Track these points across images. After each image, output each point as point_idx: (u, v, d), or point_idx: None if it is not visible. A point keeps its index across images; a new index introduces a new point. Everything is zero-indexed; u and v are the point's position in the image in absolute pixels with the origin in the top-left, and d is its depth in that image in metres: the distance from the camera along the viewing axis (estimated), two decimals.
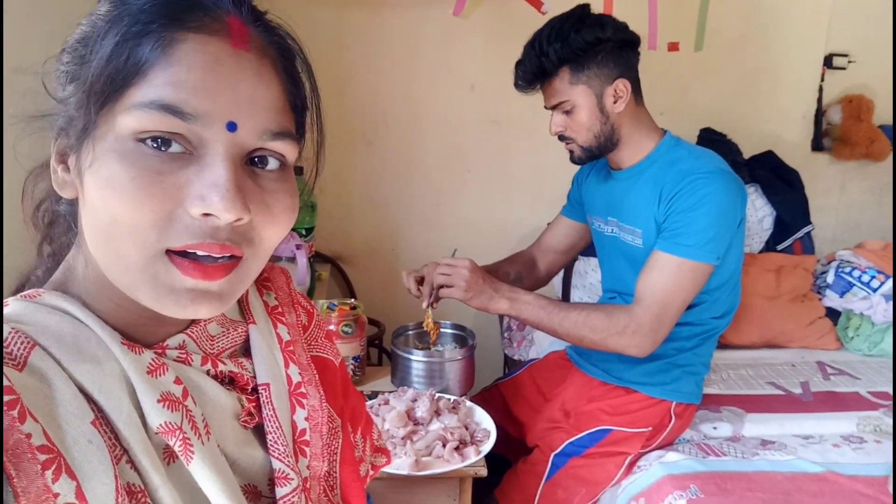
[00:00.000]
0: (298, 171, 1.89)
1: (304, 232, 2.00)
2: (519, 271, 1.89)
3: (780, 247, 2.38)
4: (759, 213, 2.37)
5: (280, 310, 0.68)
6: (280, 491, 0.59)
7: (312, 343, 0.72)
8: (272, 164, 0.54)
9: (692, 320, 1.58)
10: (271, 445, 0.60)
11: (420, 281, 1.60)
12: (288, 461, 0.60)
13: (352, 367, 1.59)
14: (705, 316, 1.59)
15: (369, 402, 1.45)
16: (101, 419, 0.49)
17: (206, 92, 0.48)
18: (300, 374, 0.65)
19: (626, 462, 1.57)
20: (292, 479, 0.60)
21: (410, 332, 1.73)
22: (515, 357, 2.32)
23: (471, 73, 2.45)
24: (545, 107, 1.59)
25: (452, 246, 2.44)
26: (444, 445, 1.31)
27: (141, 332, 0.55)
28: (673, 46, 2.47)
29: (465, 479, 1.34)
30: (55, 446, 0.45)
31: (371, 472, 0.81)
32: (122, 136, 0.48)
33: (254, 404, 0.61)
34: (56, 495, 0.44)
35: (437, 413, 1.40)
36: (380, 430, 1.32)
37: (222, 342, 0.61)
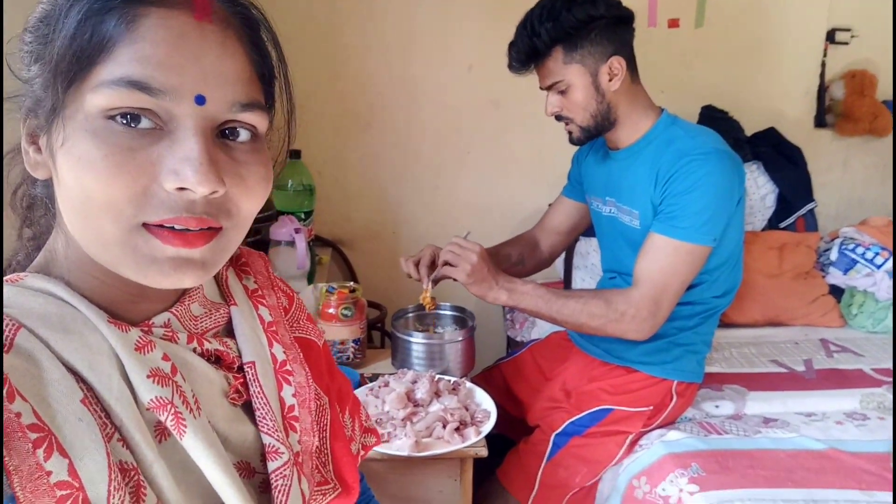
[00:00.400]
0: (296, 154, 1.89)
1: (302, 216, 2.00)
2: (521, 253, 1.88)
3: (782, 224, 2.36)
4: (762, 190, 2.35)
5: (260, 292, 0.68)
6: (272, 465, 0.60)
7: (294, 325, 0.72)
8: (244, 135, 0.54)
9: (693, 299, 1.57)
10: (260, 421, 0.61)
11: (417, 263, 1.60)
12: (277, 435, 0.61)
13: (352, 349, 1.58)
14: (706, 295, 1.58)
15: (370, 384, 1.45)
16: (92, 397, 0.49)
17: (173, 67, 0.48)
18: (284, 352, 0.66)
19: (628, 441, 1.57)
20: (283, 453, 0.61)
21: (410, 315, 1.73)
22: (518, 338, 2.32)
23: (469, 54, 2.43)
24: (540, 87, 1.57)
25: (452, 228, 2.44)
26: (444, 426, 1.31)
27: (126, 309, 0.55)
28: (673, 23, 2.41)
29: (465, 459, 1.34)
30: (46, 425, 0.45)
31: (362, 453, 0.82)
32: (91, 115, 0.48)
33: (241, 382, 0.62)
34: (49, 473, 0.44)
35: (437, 394, 1.40)
36: (367, 412, 1.33)
37: (205, 322, 0.61)
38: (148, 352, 0.52)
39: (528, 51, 1.51)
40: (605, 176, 1.67)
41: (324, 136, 2.44)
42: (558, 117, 1.58)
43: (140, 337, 0.52)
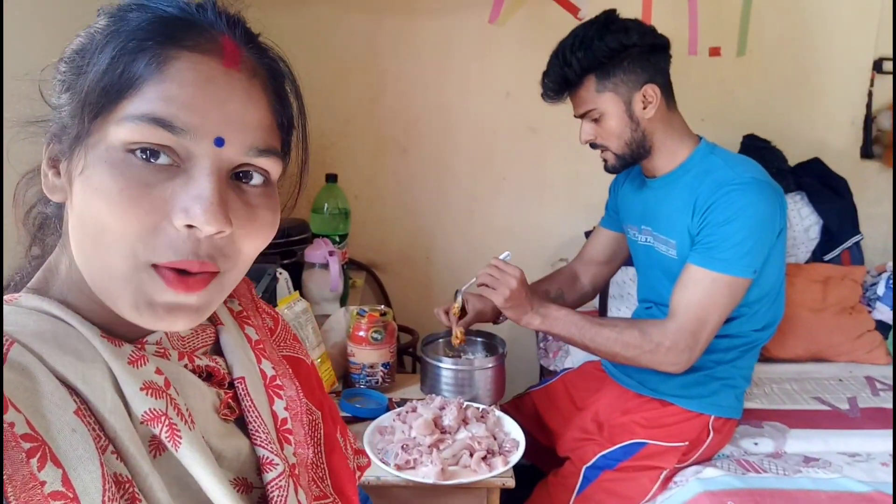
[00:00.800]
0: (333, 178, 1.91)
1: (337, 238, 2.01)
2: (559, 288, 1.86)
3: (827, 257, 2.30)
4: (805, 221, 2.29)
5: (245, 314, 0.69)
6: (267, 476, 0.60)
7: (282, 344, 0.73)
8: (256, 179, 0.55)
9: (731, 332, 1.53)
10: (253, 434, 0.61)
11: (447, 311, 1.62)
12: (271, 447, 0.61)
13: (381, 373, 1.57)
14: (745, 328, 1.54)
15: (397, 409, 1.43)
16: (85, 409, 0.49)
17: (197, 108, 0.50)
18: (273, 368, 0.67)
19: (662, 477, 1.52)
20: (277, 465, 0.61)
21: (441, 340, 1.71)
22: (551, 367, 2.28)
23: (506, 80, 2.43)
24: (574, 115, 1.56)
25: (487, 253, 2.39)
26: (471, 455, 1.28)
27: (121, 330, 0.55)
28: (714, 51, 2.41)
29: (492, 490, 1.31)
30: (39, 435, 0.45)
31: (359, 474, 0.82)
32: (113, 147, 0.49)
33: (231, 397, 0.62)
34: (43, 483, 0.44)
35: (465, 422, 1.38)
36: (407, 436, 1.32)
37: (193, 342, 0.61)
38: (141, 365, 0.53)
39: (560, 80, 1.50)
40: (641, 204, 1.64)
41: (361, 161, 2.46)
42: (593, 145, 1.56)
43: (133, 352, 0.53)
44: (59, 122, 0.53)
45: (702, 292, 1.43)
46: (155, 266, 0.50)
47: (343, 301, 1.98)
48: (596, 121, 1.52)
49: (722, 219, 1.41)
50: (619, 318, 1.53)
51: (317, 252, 1.89)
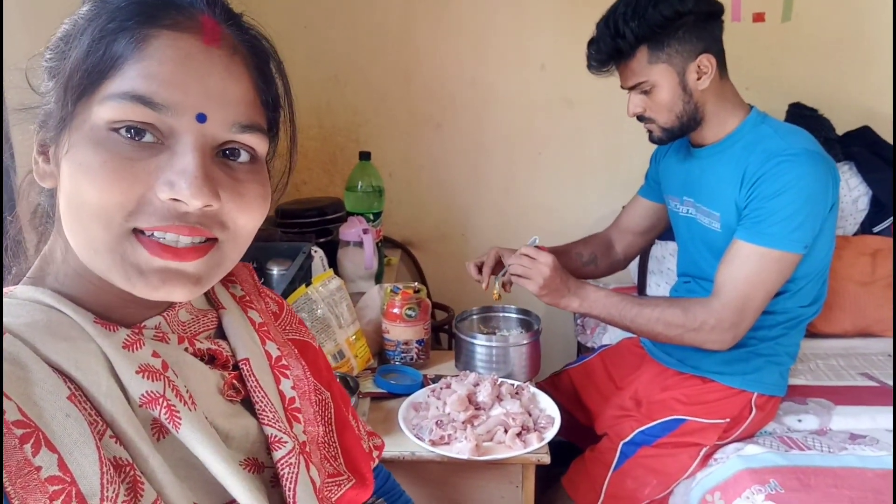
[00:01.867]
0: (366, 156, 1.91)
1: (371, 217, 2.01)
2: (593, 253, 1.82)
3: (876, 229, 2.21)
4: (854, 192, 2.21)
5: (248, 298, 0.70)
6: (276, 454, 0.60)
7: (287, 328, 0.73)
8: (243, 156, 0.55)
9: (776, 309, 1.48)
10: (260, 413, 0.61)
11: (480, 266, 1.59)
12: (279, 425, 0.61)
13: (416, 350, 1.58)
14: (791, 304, 1.49)
15: (431, 385, 1.43)
16: (80, 395, 0.49)
17: (177, 84, 0.50)
18: (278, 349, 0.66)
19: (701, 454, 1.49)
20: (286, 442, 0.61)
21: (475, 316, 1.71)
22: (588, 344, 2.26)
23: (541, 52, 2.38)
24: (622, 87, 1.51)
25: (522, 230, 2.40)
26: (505, 431, 1.28)
27: (119, 314, 0.55)
28: (758, 17, 2.33)
29: (527, 466, 1.30)
30: (32, 421, 0.45)
31: (376, 453, 0.82)
32: (96, 126, 0.50)
33: (235, 377, 0.62)
34: (38, 468, 0.44)
35: (499, 398, 1.37)
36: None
37: (194, 327, 0.61)
38: (136, 349, 0.53)
39: (610, 52, 1.44)
40: (684, 174, 1.60)
41: (395, 138, 2.45)
42: (640, 118, 1.51)
43: (128, 336, 0.53)
44: (46, 108, 0.53)
45: (749, 268, 1.38)
46: (136, 235, 0.50)
47: (378, 279, 1.99)
48: (646, 93, 1.46)
49: (771, 191, 1.36)
50: (659, 297, 1.49)
51: (351, 230, 1.89)
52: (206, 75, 0.51)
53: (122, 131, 0.50)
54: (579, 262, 1.79)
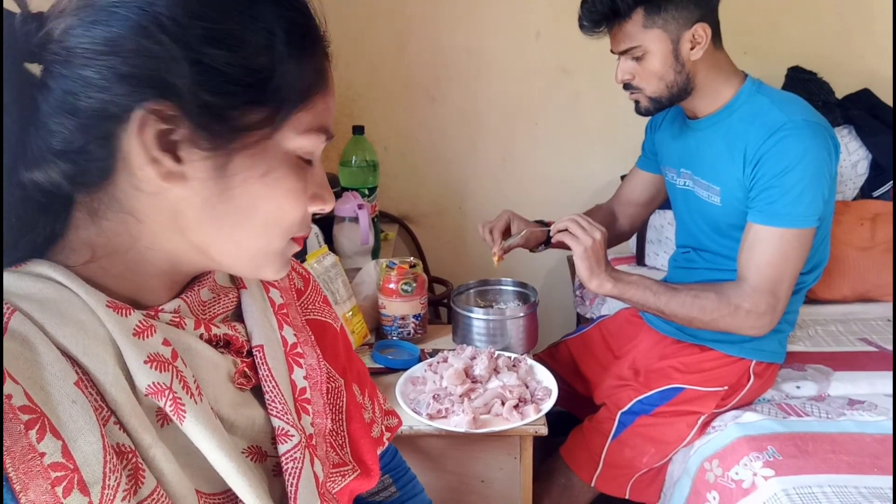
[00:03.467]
0: (360, 130, 1.88)
1: (366, 192, 1.99)
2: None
3: (875, 193, 2.20)
4: (853, 156, 2.19)
5: None
6: (282, 448, 0.60)
7: (309, 306, 0.73)
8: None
9: None
10: (269, 404, 0.61)
11: (491, 229, 1.57)
12: (287, 418, 0.61)
13: (413, 325, 1.57)
14: None
15: (428, 360, 1.43)
16: (87, 381, 0.49)
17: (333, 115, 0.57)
18: (295, 335, 0.66)
19: (699, 422, 1.50)
20: (293, 436, 0.60)
21: (472, 290, 1.70)
22: (587, 315, 2.26)
23: (536, 20, 2.34)
24: (612, 51, 1.48)
25: (521, 202, 2.38)
26: (502, 404, 1.28)
27: (150, 297, 0.56)
28: None
29: (525, 437, 1.30)
30: (38, 406, 0.45)
31: (387, 435, 0.82)
32: (290, 151, 0.54)
33: (248, 365, 0.62)
34: (42, 454, 0.44)
35: (496, 371, 1.37)
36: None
37: (214, 308, 0.61)
38: (147, 337, 0.52)
39: (605, 11, 1.40)
40: (680, 146, 1.58)
41: (388, 111, 2.42)
42: (626, 86, 1.49)
43: (140, 321, 0.52)
44: (195, 109, 0.49)
45: (772, 251, 1.37)
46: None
47: (375, 254, 1.98)
48: (637, 59, 1.43)
49: (778, 169, 1.34)
50: (693, 283, 1.46)
51: (346, 206, 1.87)
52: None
53: (303, 157, 0.56)
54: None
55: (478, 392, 1.31)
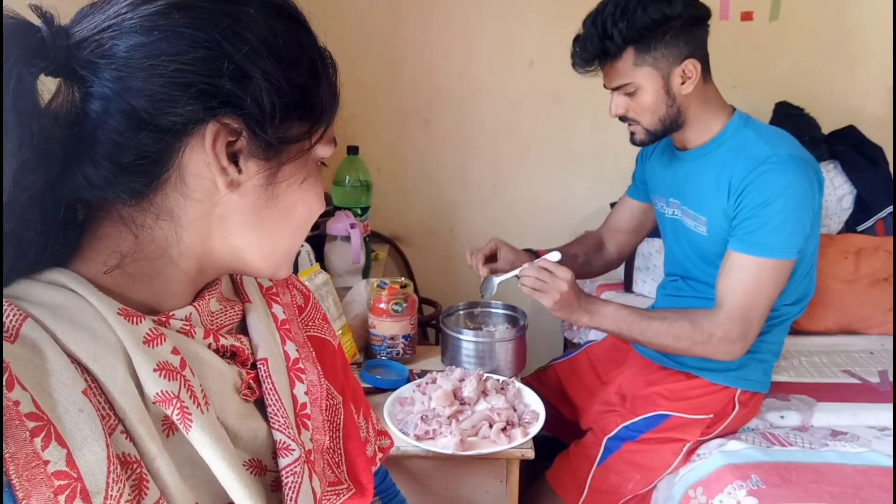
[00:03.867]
0: (354, 150, 1.90)
1: (359, 211, 2.01)
2: (587, 253, 1.82)
3: (860, 228, 2.23)
4: (839, 191, 2.23)
5: (274, 290, 0.70)
6: (282, 462, 0.60)
7: (309, 323, 0.74)
8: None
9: None
10: (272, 417, 0.61)
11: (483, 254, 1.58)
12: (289, 432, 0.61)
13: (402, 345, 1.58)
14: (776, 303, 1.50)
15: (417, 381, 1.44)
16: (96, 389, 0.49)
17: None
18: (297, 350, 0.67)
19: (685, 449, 1.51)
20: (294, 450, 0.61)
21: (462, 312, 1.71)
22: (574, 340, 2.27)
23: (529, 49, 2.38)
24: (605, 87, 1.51)
25: (510, 226, 2.40)
26: (490, 426, 1.28)
27: (167, 302, 0.57)
28: (746, 16, 2.35)
29: (511, 461, 1.31)
30: (45, 414, 0.45)
31: (380, 455, 0.82)
32: (314, 159, 0.60)
33: (252, 377, 0.62)
34: (46, 462, 0.44)
35: (485, 393, 1.37)
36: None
37: (221, 319, 0.62)
38: (157, 345, 0.52)
39: (596, 51, 1.43)
40: (670, 177, 1.60)
41: (382, 133, 2.44)
42: (622, 118, 1.52)
43: (151, 329, 0.52)
44: (257, 121, 0.53)
45: (747, 279, 1.39)
46: None
47: (366, 273, 1.98)
48: (630, 94, 1.45)
49: (760, 200, 1.37)
50: (667, 309, 1.49)
51: (338, 224, 1.88)
52: None
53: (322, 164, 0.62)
54: (576, 263, 1.77)
55: (465, 414, 1.31)
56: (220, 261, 0.59)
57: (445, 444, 1.24)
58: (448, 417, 1.29)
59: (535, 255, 1.62)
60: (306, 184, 0.59)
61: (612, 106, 1.50)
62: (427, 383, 1.40)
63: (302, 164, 0.58)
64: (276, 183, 0.57)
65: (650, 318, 1.44)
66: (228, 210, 0.55)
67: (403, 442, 1.26)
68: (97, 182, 0.51)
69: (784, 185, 1.35)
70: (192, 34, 0.50)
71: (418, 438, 1.26)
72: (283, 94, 0.53)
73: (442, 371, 1.47)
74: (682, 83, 1.42)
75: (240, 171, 0.54)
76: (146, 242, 0.54)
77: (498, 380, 1.44)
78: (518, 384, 1.44)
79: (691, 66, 1.41)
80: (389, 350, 1.57)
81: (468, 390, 1.36)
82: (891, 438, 1.48)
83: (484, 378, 1.41)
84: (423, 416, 1.29)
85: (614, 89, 1.48)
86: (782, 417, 1.60)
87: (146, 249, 0.54)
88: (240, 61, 0.51)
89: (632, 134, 1.53)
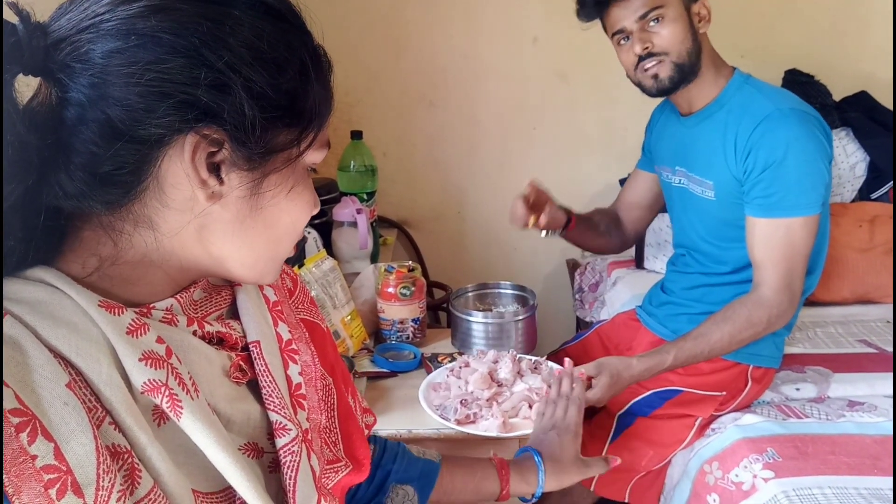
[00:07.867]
0: (358, 135, 1.88)
1: (364, 196, 2.00)
2: (608, 224, 1.80)
3: (874, 195, 2.20)
4: (851, 158, 2.20)
5: None
6: (279, 441, 0.60)
7: (299, 306, 0.74)
8: None
9: None
10: (266, 398, 0.61)
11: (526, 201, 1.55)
12: (284, 412, 0.61)
13: (412, 328, 1.57)
14: None
15: (449, 365, 1.43)
16: (80, 382, 0.49)
17: None
18: (290, 331, 0.66)
19: (697, 424, 1.50)
20: (290, 430, 0.60)
21: (471, 294, 1.70)
22: (587, 319, 2.26)
23: (533, 25, 2.35)
24: (617, 32, 1.43)
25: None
26: (529, 406, 1.28)
27: (148, 299, 0.56)
28: None
29: None
30: (29, 409, 0.45)
31: (367, 432, 0.82)
32: (303, 167, 0.58)
33: (243, 359, 0.62)
34: (34, 457, 0.44)
35: (520, 374, 1.37)
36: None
37: (206, 306, 0.61)
38: (140, 335, 0.51)
39: None
40: (674, 143, 1.58)
41: (387, 116, 2.43)
42: (643, 57, 1.43)
43: (133, 320, 0.52)
44: (239, 131, 0.51)
45: (778, 244, 1.37)
46: None
47: (374, 258, 1.98)
48: (658, 21, 1.39)
49: (772, 159, 1.34)
50: (708, 323, 1.42)
51: (344, 210, 1.88)
52: None
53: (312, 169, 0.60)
54: (597, 231, 1.75)
55: (504, 396, 1.31)
56: (203, 267, 0.57)
57: (488, 426, 1.23)
58: (487, 400, 1.29)
59: (567, 213, 1.64)
60: (293, 192, 0.57)
61: (636, 43, 1.42)
62: (461, 367, 1.39)
63: (289, 173, 0.56)
64: (261, 193, 0.55)
65: (704, 335, 1.40)
66: (210, 220, 0.54)
67: (445, 426, 1.26)
68: (72, 192, 0.50)
69: (791, 138, 1.33)
70: (171, 40, 0.48)
71: (459, 423, 1.25)
72: (267, 103, 0.51)
73: (467, 354, 1.46)
74: (699, 21, 1.43)
75: (221, 183, 0.52)
76: (126, 248, 0.53)
77: (531, 360, 1.43)
78: (550, 363, 1.42)
79: (705, 8, 1.42)
80: (399, 334, 1.57)
81: (504, 372, 1.35)
82: None
83: (518, 359, 1.40)
84: (463, 401, 1.28)
85: (640, 19, 1.40)
86: (798, 390, 1.58)
87: (126, 255, 0.54)
88: (220, 69, 0.49)
89: (654, 77, 1.44)
